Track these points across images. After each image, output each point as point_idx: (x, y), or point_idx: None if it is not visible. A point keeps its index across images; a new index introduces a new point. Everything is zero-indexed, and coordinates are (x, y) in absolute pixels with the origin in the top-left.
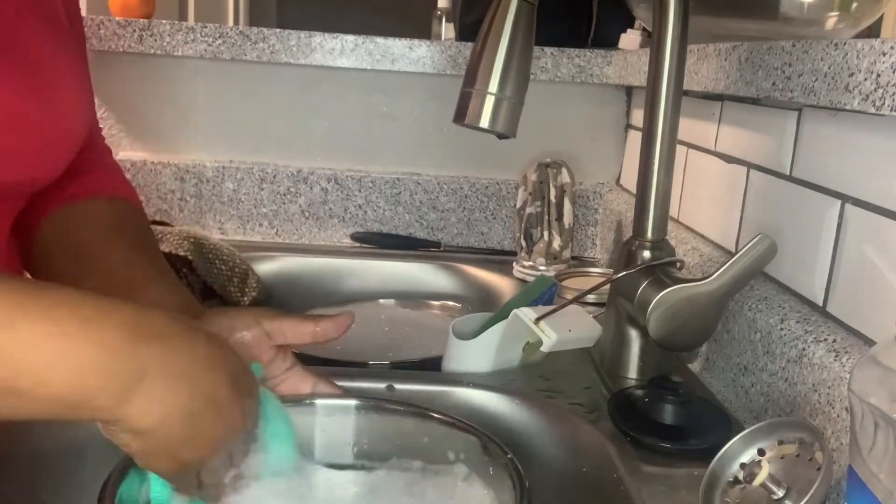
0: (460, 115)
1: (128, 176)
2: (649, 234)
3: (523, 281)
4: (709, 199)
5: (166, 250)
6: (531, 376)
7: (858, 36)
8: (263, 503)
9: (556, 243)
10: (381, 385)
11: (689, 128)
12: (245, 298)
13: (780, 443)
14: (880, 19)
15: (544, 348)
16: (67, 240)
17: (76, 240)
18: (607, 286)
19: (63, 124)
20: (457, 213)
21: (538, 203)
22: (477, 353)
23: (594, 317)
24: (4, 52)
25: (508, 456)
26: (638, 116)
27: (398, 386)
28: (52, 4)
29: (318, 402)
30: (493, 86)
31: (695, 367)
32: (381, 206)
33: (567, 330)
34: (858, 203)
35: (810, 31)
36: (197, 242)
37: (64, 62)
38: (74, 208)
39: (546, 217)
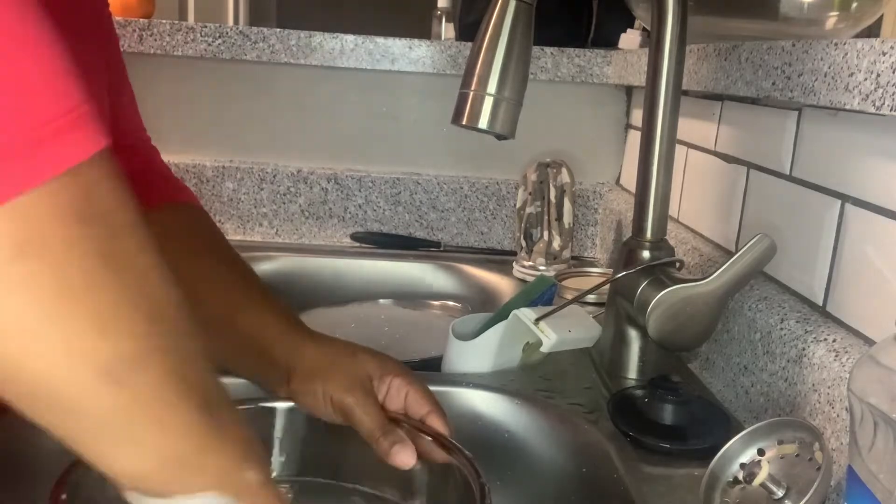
0: (458, 116)
1: None
2: (649, 234)
3: (523, 281)
4: (709, 199)
5: None
6: (531, 377)
7: (858, 36)
8: None
9: (556, 243)
10: None
11: (688, 128)
12: None
13: (780, 443)
14: (880, 19)
15: (544, 349)
16: None
17: None
18: (607, 286)
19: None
20: (457, 213)
21: (538, 203)
22: (477, 353)
23: (594, 317)
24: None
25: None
26: (638, 116)
27: None
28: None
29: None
30: (492, 87)
31: (695, 367)
32: (381, 205)
33: (567, 330)
34: (858, 203)
35: (810, 31)
36: None
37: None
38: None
39: (546, 217)
